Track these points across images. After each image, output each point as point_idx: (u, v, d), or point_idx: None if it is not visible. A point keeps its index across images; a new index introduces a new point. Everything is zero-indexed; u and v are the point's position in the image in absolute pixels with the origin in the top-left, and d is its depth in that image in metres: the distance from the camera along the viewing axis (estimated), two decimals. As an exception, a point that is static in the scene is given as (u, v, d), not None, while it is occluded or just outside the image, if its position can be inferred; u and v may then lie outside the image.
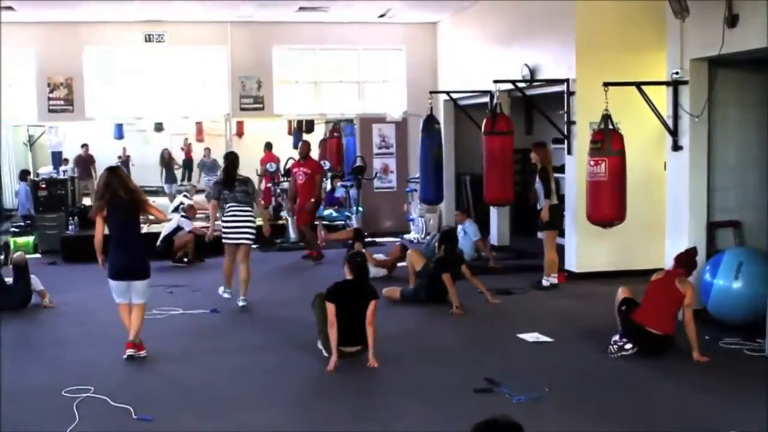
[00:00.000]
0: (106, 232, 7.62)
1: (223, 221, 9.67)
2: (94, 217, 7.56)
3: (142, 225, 7.94)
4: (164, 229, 12.97)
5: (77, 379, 6.74)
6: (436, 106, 13.71)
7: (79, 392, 6.45)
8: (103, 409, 6.14)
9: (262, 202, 12.17)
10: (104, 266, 7.58)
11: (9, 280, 9.86)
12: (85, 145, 19.80)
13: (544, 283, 10.44)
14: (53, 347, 8.16)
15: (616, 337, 7.32)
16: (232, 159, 9.92)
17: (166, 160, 21.36)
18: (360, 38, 16.28)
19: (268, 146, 18.82)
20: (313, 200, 13.07)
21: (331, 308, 7.03)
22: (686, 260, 7.58)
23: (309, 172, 12.97)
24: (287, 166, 15.29)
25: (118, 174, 7.59)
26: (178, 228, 13.05)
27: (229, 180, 9.67)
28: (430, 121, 12.80)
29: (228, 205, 9.58)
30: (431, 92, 13.67)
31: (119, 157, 21.29)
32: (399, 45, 16.50)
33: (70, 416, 5.93)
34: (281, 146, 19.54)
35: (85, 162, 19.44)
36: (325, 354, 7.22)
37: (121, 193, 7.40)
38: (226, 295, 9.73)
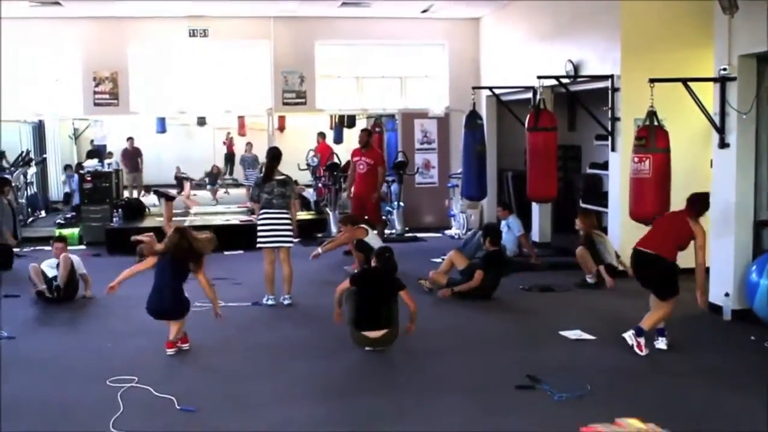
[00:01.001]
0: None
1: (259, 225, 9.61)
2: (144, 254, 7.70)
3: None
4: None
5: (121, 369, 6.83)
6: (478, 102, 13.64)
7: (124, 382, 6.55)
8: (146, 399, 6.23)
9: (297, 202, 11.94)
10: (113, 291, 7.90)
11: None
12: (130, 139, 20.05)
13: (588, 280, 10.39)
14: (98, 337, 8.30)
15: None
16: (270, 158, 9.80)
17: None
18: (402, 33, 16.25)
19: (322, 135, 18.94)
20: (376, 195, 12.95)
21: (345, 284, 7.58)
22: (698, 201, 7.56)
23: (372, 163, 12.78)
24: (328, 161, 15.33)
25: (186, 237, 7.70)
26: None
27: (267, 180, 9.59)
28: (473, 117, 12.75)
29: (263, 210, 9.54)
30: (474, 88, 13.61)
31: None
32: (441, 40, 16.46)
33: (114, 405, 6.03)
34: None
35: (132, 155, 19.65)
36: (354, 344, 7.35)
37: (180, 253, 7.60)
38: (270, 302, 9.61)
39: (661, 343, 7.40)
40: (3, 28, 15.15)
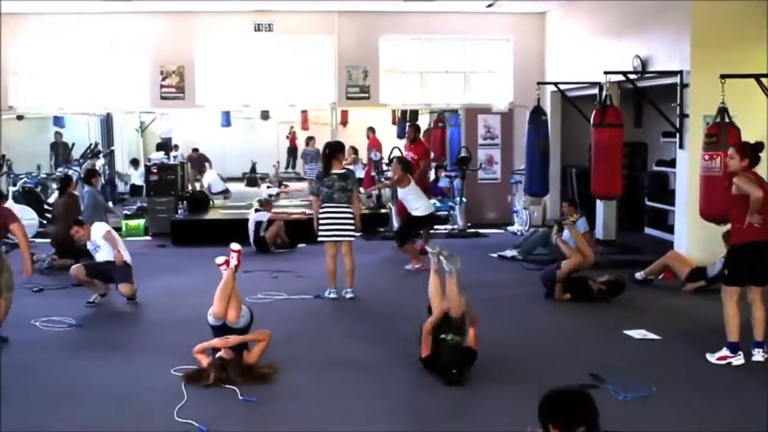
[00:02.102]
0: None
1: (320, 219, 9.54)
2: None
3: None
4: (249, 230, 13.11)
5: (186, 359, 6.90)
6: (543, 97, 13.52)
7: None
8: (209, 389, 6.28)
9: (362, 191, 11.86)
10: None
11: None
12: (195, 150, 20.24)
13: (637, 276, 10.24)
14: (161, 327, 8.44)
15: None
16: (328, 153, 9.70)
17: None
18: (467, 28, 16.16)
19: (372, 130, 18.97)
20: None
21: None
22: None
23: (416, 158, 12.69)
24: (391, 155, 15.32)
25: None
26: (259, 223, 13.18)
27: (326, 174, 9.51)
28: (537, 113, 12.65)
29: (324, 204, 9.46)
30: (539, 83, 13.49)
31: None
32: (506, 35, 16.32)
33: (178, 395, 6.11)
34: (386, 136, 19.73)
35: (198, 161, 19.80)
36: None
37: None
38: (332, 296, 9.60)
39: (758, 355, 6.93)
40: (75, 23, 15.54)
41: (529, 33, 16.15)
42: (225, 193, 18.46)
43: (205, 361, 6.60)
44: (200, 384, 6.35)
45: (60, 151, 18.32)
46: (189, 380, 6.41)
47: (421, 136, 15.52)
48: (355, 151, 18.61)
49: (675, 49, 10.89)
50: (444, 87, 16.56)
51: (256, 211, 13.48)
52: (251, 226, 13.09)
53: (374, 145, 17.64)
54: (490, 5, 15.14)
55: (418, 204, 11.39)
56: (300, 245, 13.23)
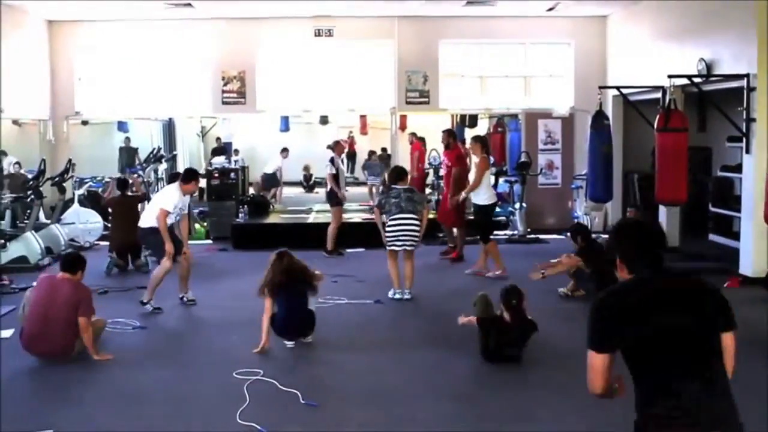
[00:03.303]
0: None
1: (388, 229, 9.71)
2: (262, 296, 7.76)
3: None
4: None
5: (247, 362, 6.98)
6: (604, 102, 13.37)
7: (249, 375, 6.69)
8: (271, 392, 6.36)
9: (429, 207, 11.68)
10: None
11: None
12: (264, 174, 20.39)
13: None
14: (223, 330, 8.50)
15: None
16: (395, 177, 10.12)
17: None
18: (527, 32, 16.06)
19: (414, 135, 18.94)
20: (454, 198, 11.89)
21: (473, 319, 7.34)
22: None
23: (449, 165, 12.49)
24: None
25: (285, 258, 7.75)
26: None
27: (392, 189, 9.91)
28: (599, 117, 12.48)
29: (393, 215, 9.64)
30: (600, 87, 13.31)
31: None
32: (567, 39, 16.18)
33: (241, 397, 6.17)
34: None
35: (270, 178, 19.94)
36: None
37: (285, 277, 7.65)
38: (397, 296, 9.71)
39: None
40: (138, 29, 15.81)
41: (591, 36, 15.99)
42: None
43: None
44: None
45: (124, 155, 18.63)
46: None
47: (461, 142, 15.43)
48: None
49: (741, 51, 10.68)
50: (504, 91, 16.49)
51: (330, 160, 13.63)
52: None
53: (417, 149, 17.56)
54: (551, 9, 15.02)
55: (485, 192, 11.28)
56: (359, 249, 13.25)
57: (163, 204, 9.32)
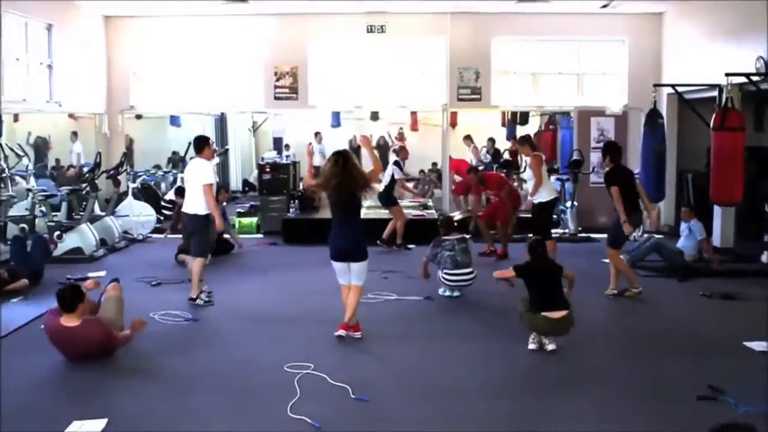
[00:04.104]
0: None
1: (445, 279, 9.58)
2: (310, 188, 7.82)
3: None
4: (384, 179, 13.31)
5: (298, 356, 7.02)
6: (659, 100, 13.18)
7: (300, 368, 6.73)
8: (322, 386, 6.38)
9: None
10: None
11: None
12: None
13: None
14: (274, 323, 8.56)
15: None
16: (446, 225, 10.02)
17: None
18: (581, 29, 15.92)
19: (470, 140, 18.88)
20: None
21: (508, 272, 7.83)
22: None
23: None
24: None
25: (345, 157, 7.71)
26: (394, 179, 13.47)
27: (445, 238, 9.73)
28: (654, 116, 12.32)
29: (449, 270, 9.51)
30: (655, 85, 13.14)
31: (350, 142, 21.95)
32: (621, 36, 16.00)
33: (291, 391, 6.21)
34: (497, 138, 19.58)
35: None
36: (531, 343, 7.27)
37: (344, 178, 7.59)
38: (447, 293, 9.72)
39: None
40: (192, 25, 15.98)
41: (645, 34, 15.80)
42: None
43: None
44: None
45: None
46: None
47: (512, 138, 15.35)
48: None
49: (802, 50, 10.49)
50: (556, 89, 16.37)
51: (395, 163, 13.80)
52: (386, 179, 13.43)
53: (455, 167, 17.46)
54: (605, 6, 14.88)
55: (544, 189, 11.17)
56: (409, 246, 13.25)
57: (205, 179, 9.26)
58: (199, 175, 9.31)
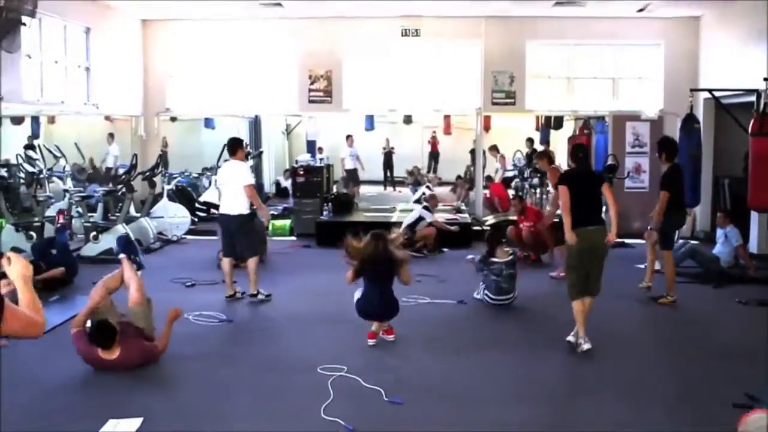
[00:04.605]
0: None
1: (486, 296, 9.46)
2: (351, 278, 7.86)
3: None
4: (407, 219, 13.30)
5: (331, 358, 7.03)
6: (695, 105, 13.04)
7: (334, 370, 6.75)
8: (355, 389, 6.39)
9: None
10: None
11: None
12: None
13: None
14: (307, 325, 8.60)
15: None
16: (494, 242, 9.82)
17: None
18: (616, 33, 15.82)
19: (496, 150, 18.80)
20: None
21: (563, 190, 7.63)
22: None
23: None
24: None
25: (385, 241, 7.74)
26: (420, 218, 13.33)
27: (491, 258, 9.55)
28: (690, 121, 12.19)
29: (492, 294, 9.36)
30: (692, 90, 13.02)
31: (383, 148, 22.12)
32: (657, 40, 15.87)
33: (325, 392, 6.23)
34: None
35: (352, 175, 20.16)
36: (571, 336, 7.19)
37: (381, 260, 7.66)
38: (478, 296, 9.69)
39: None
40: (228, 28, 16.11)
41: (682, 38, 15.65)
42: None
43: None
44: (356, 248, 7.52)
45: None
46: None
47: (562, 147, 15.28)
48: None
49: (842, 54, 10.35)
50: (591, 93, 16.28)
51: (425, 208, 13.68)
52: (412, 216, 13.38)
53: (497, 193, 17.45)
54: (641, 9, 14.77)
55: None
56: (443, 250, 13.25)
57: (246, 180, 9.56)
58: (238, 176, 9.54)
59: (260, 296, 9.66)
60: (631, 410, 6.00)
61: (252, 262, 9.66)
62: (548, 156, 11.60)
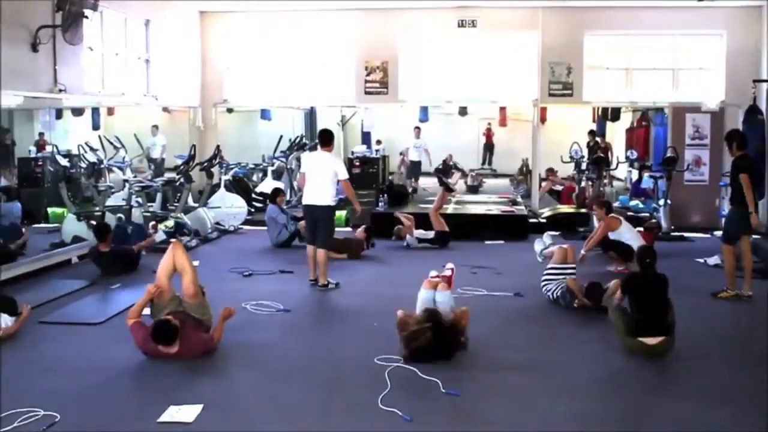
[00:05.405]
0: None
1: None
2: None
3: None
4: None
5: (387, 349, 7.00)
6: (758, 96, 12.80)
7: (390, 361, 6.74)
8: (412, 379, 6.37)
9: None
10: None
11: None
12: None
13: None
14: (364, 316, 8.59)
15: None
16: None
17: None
18: (676, 23, 15.55)
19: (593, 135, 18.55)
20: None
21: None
22: None
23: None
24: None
25: (442, 329, 7.00)
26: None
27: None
28: (753, 112, 12.01)
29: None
30: (755, 81, 12.79)
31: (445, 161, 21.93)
32: (719, 30, 15.56)
33: (382, 383, 6.22)
34: (582, 135, 19.27)
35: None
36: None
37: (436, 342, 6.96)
38: None
39: None
40: (284, 20, 16.20)
41: (745, 27, 15.33)
42: None
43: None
44: (409, 330, 6.82)
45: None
46: (402, 327, 6.95)
47: (620, 138, 15.10)
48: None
49: None
50: (650, 84, 16.04)
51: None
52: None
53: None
54: (702, -1, 14.51)
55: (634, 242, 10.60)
56: (499, 241, 13.20)
57: (343, 174, 9.86)
58: (333, 169, 9.78)
59: (330, 286, 9.84)
60: (697, 408, 5.85)
61: (323, 255, 9.82)
62: (608, 206, 11.35)
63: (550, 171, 17.61)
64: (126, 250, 10.94)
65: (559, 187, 17.07)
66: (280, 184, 16.74)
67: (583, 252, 10.46)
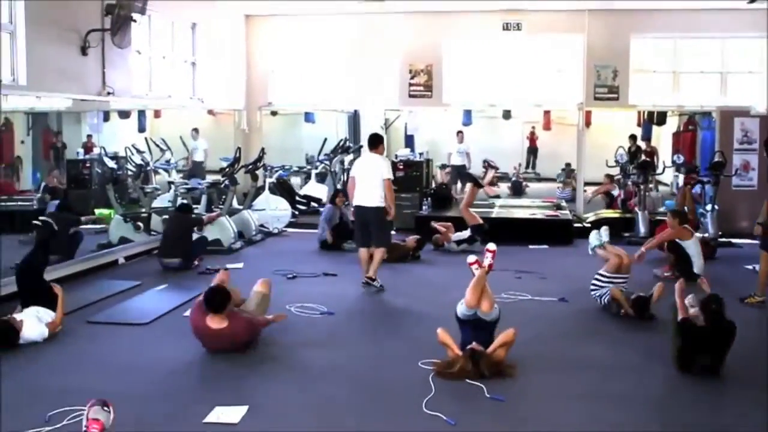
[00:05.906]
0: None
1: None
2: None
3: None
4: None
5: (431, 352, 6.98)
6: (809, 100, 12.59)
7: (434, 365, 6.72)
8: (456, 384, 6.33)
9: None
10: None
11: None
12: None
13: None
14: (409, 319, 8.64)
15: None
16: None
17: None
18: (725, 26, 15.34)
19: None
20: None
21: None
22: None
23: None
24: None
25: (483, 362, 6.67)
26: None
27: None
28: (802, 116, 11.79)
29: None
30: (806, 84, 12.58)
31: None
32: (768, 33, 15.35)
33: (426, 387, 6.21)
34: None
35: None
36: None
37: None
38: None
39: None
40: (329, 23, 16.28)
41: (795, 30, 15.09)
42: None
43: (453, 351, 6.71)
44: (446, 372, 6.48)
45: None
46: (437, 368, 6.58)
47: (666, 142, 14.90)
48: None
49: None
50: (698, 88, 15.85)
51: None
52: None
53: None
54: (751, 1, 14.29)
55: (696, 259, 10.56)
56: (543, 246, 13.12)
57: (387, 174, 9.95)
58: (381, 170, 9.92)
59: (375, 284, 9.92)
60: (744, 424, 5.80)
61: (380, 253, 10.01)
62: (681, 216, 11.18)
63: (609, 177, 17.42)
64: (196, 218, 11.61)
65: (615, 192, 16.91)
66: (324, 188, 16.81)
67: (642, 249, 10.39)
